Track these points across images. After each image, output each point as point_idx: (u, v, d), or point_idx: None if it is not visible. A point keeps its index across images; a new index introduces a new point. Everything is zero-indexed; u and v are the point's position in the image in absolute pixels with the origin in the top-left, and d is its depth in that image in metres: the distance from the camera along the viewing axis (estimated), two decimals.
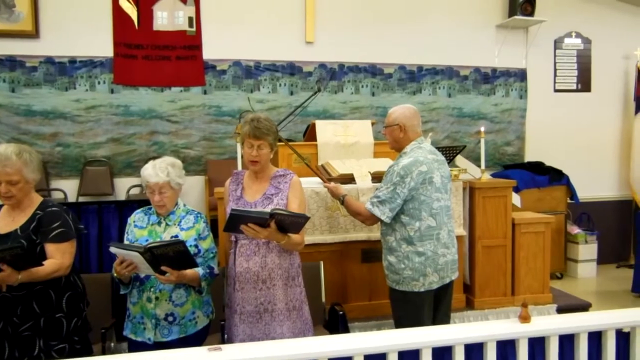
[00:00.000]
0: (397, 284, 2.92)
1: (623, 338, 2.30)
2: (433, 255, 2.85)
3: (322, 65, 6.07)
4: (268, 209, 2.38)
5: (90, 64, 5.52)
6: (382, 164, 4.03)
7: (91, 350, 2.68)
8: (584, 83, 6.84)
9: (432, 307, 2.94)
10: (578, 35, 6.78)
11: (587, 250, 6.21)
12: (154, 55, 5.64)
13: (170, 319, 2.54)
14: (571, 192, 6.20)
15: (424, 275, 2.85)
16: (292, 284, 2.62)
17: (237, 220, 2.34)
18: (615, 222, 6.83)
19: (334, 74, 6.10)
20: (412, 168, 2.86)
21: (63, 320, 2.49)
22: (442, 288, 2.94)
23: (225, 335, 2.67)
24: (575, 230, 6.24)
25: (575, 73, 6.81)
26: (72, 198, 5.42)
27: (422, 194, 2.86)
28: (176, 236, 2.56)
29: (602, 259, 6.35)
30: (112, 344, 3.11)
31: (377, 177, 3.86)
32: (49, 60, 5.43)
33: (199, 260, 2.57)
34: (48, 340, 2.45)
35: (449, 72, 6.44)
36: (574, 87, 6.82)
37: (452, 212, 3.06)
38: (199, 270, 2.52)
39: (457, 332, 2.19)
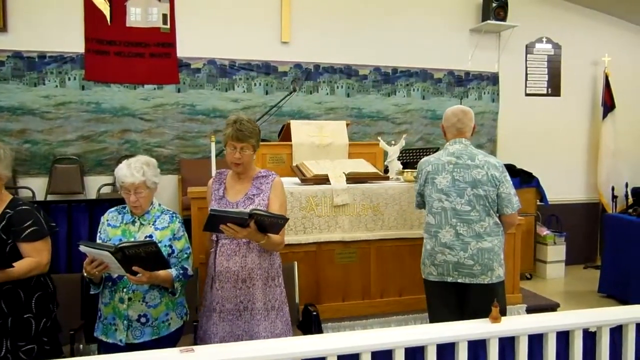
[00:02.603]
0: None
1: (590, 337, 2.35)
2: (430, 250, 3.03)
3: (298, 66, 6.06)
4: (249, 209, 2.38)
5: (61, 59, 5.40)
6: (356, 165, 4.05)
7: (61, 352, 2.63)
8: (554, 88, 6.99)
9: (446, 301, 3.01)
10: (549, 40, 6.93)
11: (555, 251, 6.34)
12: (127, 51, 5.55)
13: (143, 320, 2.50)
14: (541, 194, 6.33)
15: (424, 264, 3.09)
16: (272, 284, 2.62)
17: (216, 220, 2.33)
18: (583, 224, 7.00)
19: (309, 75, 6.10)
20: (422, 166, 3.12)
21: (32, 320, 2.43)
22: (462, 288, 2.97)
23: (199, 335, 2.64)
24: (544, 231, 6.38)
25: (546, 78, 6.96)
26: (40, 196, 5.30)
27: (426, 192, 3.08)
28: (150, 236, 2.53)
29: (570, 260, 6.50)
30: (81, 346, 3.05)
31: (351, 178, 3.88)
32: (17, 55, 5.29)
33: (172, 260, 2.54)
34: (16, 341, 2.39)
35: (423, 75, 6.51)
36: (545, 91, 6.97)
37: (476, 217, 2.92)
38: (172, 272, 2.49)
39: (429, 332, 2.22)
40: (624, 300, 5.03)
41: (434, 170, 3.02)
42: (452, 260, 2.94)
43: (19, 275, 2.33)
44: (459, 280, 2.95)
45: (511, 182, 3.02)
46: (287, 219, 2.45)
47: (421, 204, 3.21)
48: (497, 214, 2.99)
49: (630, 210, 5.71)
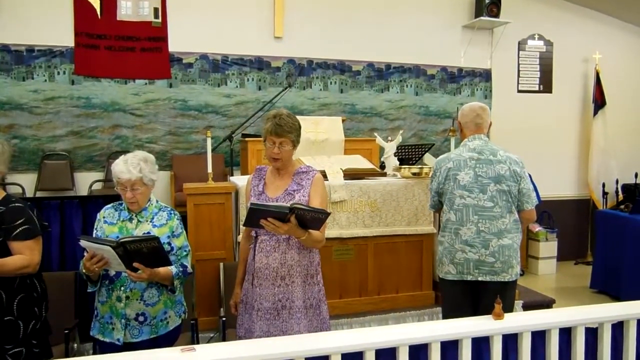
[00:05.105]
0: None
1: (591, 333, 2.35)
2: (449, 247, 2.96)
3: (291, 61, 6.01)
4: (289, 204, 2.33)
5: (50, 53, 5.30)
6: (353, 161, 4.03)
7: (51, 354, 2.56)
8: (546, 84, 7.02)
9: (464, 301, 2.95)
10: (541, 37, 6.95)
11: (547, 247, 6.38)
12: (118, 46, 5.47)
13: (141, 319, 2.46)
14: None
15: (442, 263, 3.01)
16: (311, 281, 2.58)
17: (257, 214, 2.27)
18: (574, 221, 7.04)
19: (302, 70, 6.06)
20: (441, 164, 3.04)
21: (19, 323, 2.36)
22: (478, 286, 2.92)
23: (240, 334, 2.60)
24: (536, 228, 6.40)
25: (538, 74, 6.98)
26: (29, 193, 5.20)
27: (447, 189, 2.99)
28: (148, 233, 2.47)
29: (562, 256, 6.54)
30: (76, 345, 3.00)
31: (348, 174, 3.85)
32: (5, 49, 5.18)
33: (171, 258, 2.49)
34: (2, 344, 2.32)
35: (417, 71, 6.49)
36: (536, 88, 6.99)
37: (498, 214, 2.90)
38: (172, 269, 2.44)
39: (433, 329, 2.20)
40: (615, 296, 5.08)
41: (455, 166, 2.96)
42: (473, 257, 2.90)
43: (9, 271, 2.27)
44: (480, 278, 2.90)
45: (529, 178, 3.03)
46: (328, 214, 2.39)
47: (437, 204, 3.13)
48: (517, 210, 2.98)
49: (622, 207, 5.76)
